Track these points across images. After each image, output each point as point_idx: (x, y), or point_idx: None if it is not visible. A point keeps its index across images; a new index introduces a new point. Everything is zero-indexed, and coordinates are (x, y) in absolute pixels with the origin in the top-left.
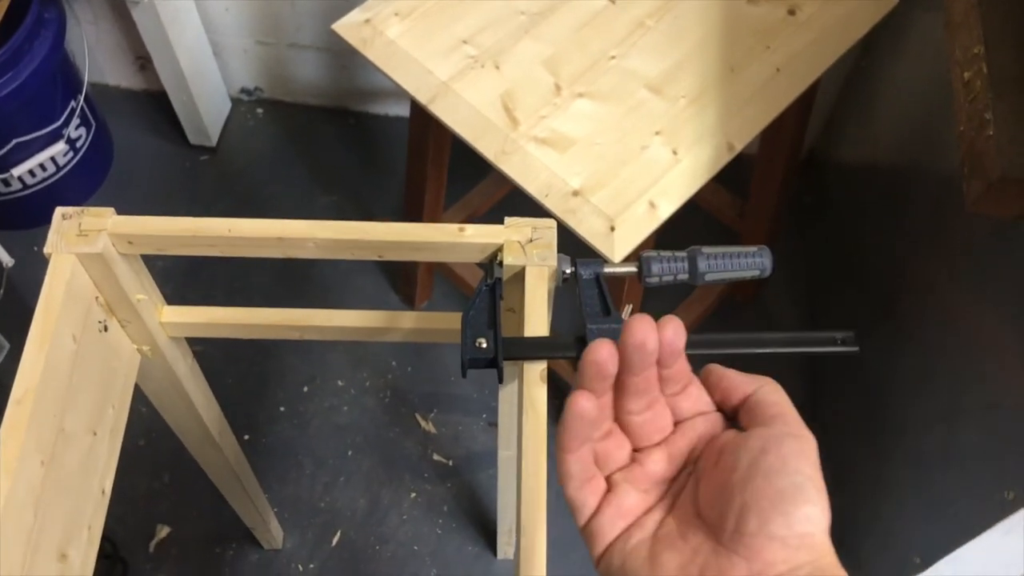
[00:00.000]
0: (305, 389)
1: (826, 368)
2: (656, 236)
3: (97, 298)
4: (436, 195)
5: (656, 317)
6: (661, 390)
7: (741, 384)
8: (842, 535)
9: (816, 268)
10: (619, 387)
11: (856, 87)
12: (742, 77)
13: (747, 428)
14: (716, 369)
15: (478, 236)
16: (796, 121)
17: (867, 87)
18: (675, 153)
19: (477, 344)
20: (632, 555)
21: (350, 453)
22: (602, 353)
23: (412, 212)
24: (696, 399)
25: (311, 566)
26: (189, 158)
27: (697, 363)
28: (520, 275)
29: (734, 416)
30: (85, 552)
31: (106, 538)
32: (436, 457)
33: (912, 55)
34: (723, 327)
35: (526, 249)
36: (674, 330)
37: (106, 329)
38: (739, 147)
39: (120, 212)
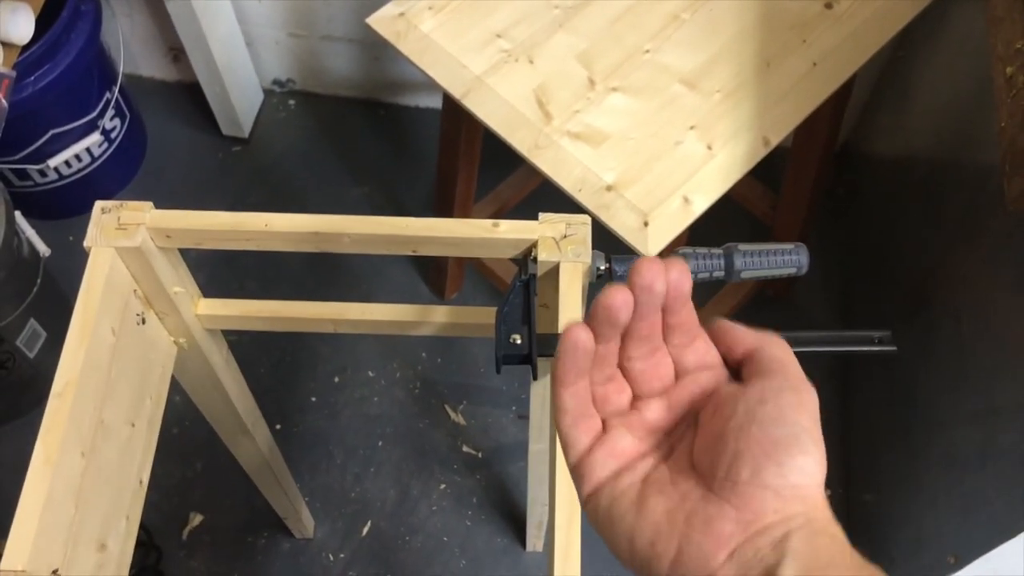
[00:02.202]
0: (336, 379)
1: (858, 363)
2: (689, 230)
3: (135, 291)
4: (467, 188)
5: None
6: (667, 340)
7: (745, 338)
8: (874, 532)
9: (849, 260)
10: (624, 332)
11: (892, 78)
12: (778, 72)
13: (747, 382)
14: (723, 323)
15: (512, 232)
16: (831, 115)
17: (903, 79)
18: (709, 148)
19: (511, 340)
20: (620, 498)
21: (380, 444)
22: (617, 298)
23: (443, 204)
24: (703, 354)
25: (341, 556)
26: (222, 149)
27: None
28: (554, 271)
29: (739, 373)
30: (123, 542)
31: (141, 526)
32: (465, 449)
33: (950, 48)
34: (755, 321)
35: (560, 245)
36: (679, 272)
37: (144, 322)
38: (775, 142)
39: (153, 203)
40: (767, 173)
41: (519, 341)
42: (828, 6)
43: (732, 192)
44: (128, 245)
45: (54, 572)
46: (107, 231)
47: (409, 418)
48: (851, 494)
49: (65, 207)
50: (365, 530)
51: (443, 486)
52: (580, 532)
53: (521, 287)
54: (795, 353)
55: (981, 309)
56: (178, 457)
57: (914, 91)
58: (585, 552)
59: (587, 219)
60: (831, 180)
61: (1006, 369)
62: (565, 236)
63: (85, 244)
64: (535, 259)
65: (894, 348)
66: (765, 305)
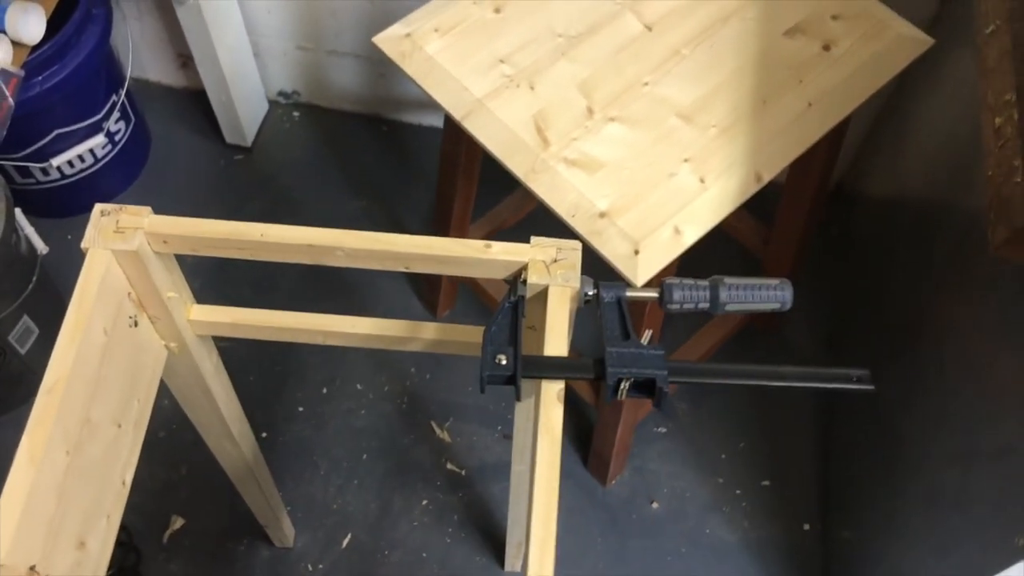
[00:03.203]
0: (324, 390)
1: (842, 401)
2: (679, 260)
3: (129, 294)
4: (465, 207)
5: (674, 343)
6: None
7: None
8: (851, 570)
9: (838, 299)
10: None
11: (888, 121)
12: (774, 109)
13: None
14: None
15: (504, 254)
16: (826, 154)
17: (899, 122)
18: (703, 181)
19: (497, 361)
20: None
21: (365, 457)
22: None
23: (441, 222)
24: None
25: (320, 566)
26: (224, 156)
27: (716, 392)
28: (543, 294)
29: None
30: (103, 541)
31: (122, 527)
32: (449, 466)
33: (946, 93)
34: (741, 354)
35: (550, 269)
36: None
37: (136, 324)
38: (767, 178)
39: (153, 207)
40: (761, 207)
41: (504, 362)
42: (826, 48)
43: (724, 225)
44: (125, 248)
45: (31, 568)
46: (105, 233)
47: (395, 433)
48: (830, 530)
49: (66, 206)
50: (345, 542)
51: (425, 502)
52: (554, 553)
53: (509, 308)
54: (776, 387)
55: (966, 352)
56: (163, 460)
57: (909, 134)
58: (563, 573)
59: (578, 245)
60: (825, 218)
61: (987, 412)
62: (555, 260)
63: (82, 245)
64: (524, 281)
65: (872, 387)
66: (752, 338)
